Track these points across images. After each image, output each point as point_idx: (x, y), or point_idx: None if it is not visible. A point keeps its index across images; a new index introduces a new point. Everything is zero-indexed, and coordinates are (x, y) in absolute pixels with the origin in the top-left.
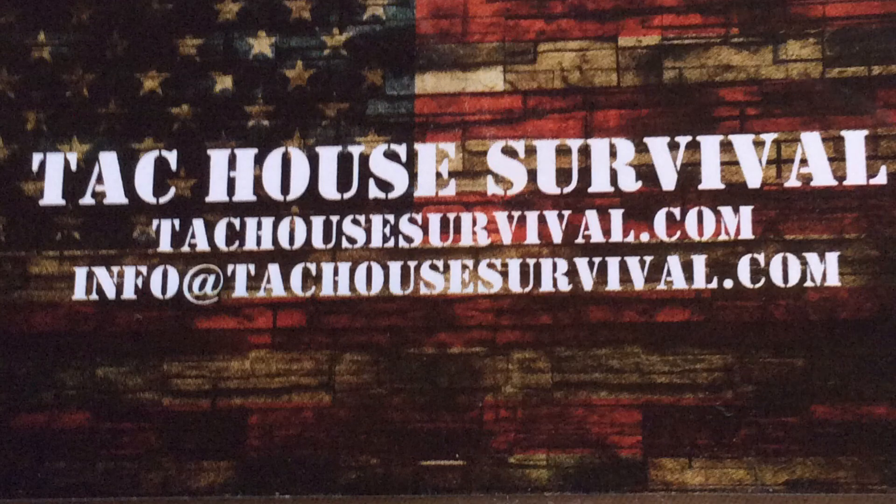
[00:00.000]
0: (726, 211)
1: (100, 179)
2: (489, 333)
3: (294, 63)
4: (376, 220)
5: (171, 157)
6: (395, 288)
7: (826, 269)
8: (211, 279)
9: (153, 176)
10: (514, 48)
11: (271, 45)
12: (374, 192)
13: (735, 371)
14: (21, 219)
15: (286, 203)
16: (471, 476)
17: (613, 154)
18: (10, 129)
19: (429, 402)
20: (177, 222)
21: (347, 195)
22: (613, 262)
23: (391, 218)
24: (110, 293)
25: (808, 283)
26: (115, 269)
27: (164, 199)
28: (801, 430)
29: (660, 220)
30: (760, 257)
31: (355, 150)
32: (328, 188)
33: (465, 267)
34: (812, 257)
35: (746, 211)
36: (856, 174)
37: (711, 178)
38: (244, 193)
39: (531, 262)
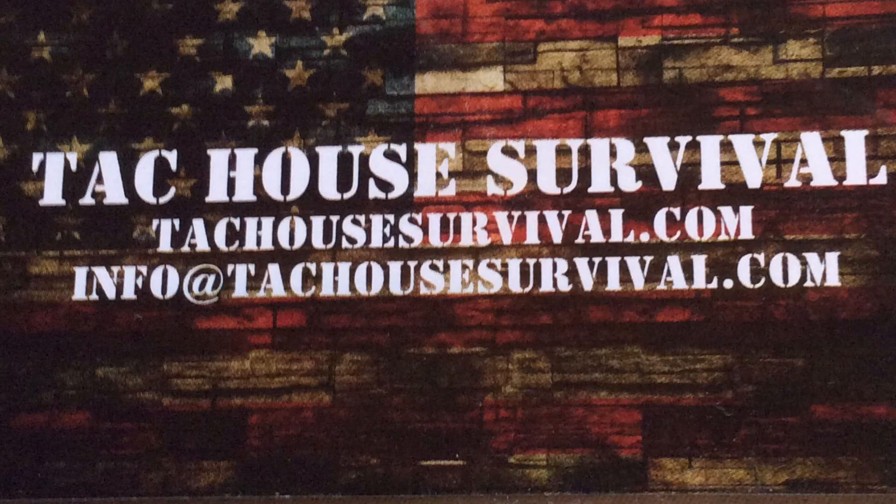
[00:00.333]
0: (726, 211)
1: (100, 179)
2: (489, 333)
3: (294, 63)
4: (376, 220)
5: (171, 157)
6: (395, 288)
7: (826, 269)
8: (211, 279)
9: (153, 176)
10: (514, 48)
11: (271, 45)
12: (374, 192)
13: (735, 371)
14: (21, 219)
15: (286, 203)
16: (471, 476)
17: (613, 154)
18: (10, 129)
19: (429, 402)
20: (177, 222)
21: (347, 195)
22: (613, 262)
23: (391, 218)
24: (110, 293)
25: (808, 283)
26: (115, 269)
27: (164, 199)
28: (801, 430)
29: (660, 220)
30: (760, 257)
31: (355, 150)
32: (328, 188)
33: (465, 267)
34: (812, 257)
35: (746, 211)
36: (856, 174)
37: (711, 178)
38: (244, 193)
39: (531, 262)
